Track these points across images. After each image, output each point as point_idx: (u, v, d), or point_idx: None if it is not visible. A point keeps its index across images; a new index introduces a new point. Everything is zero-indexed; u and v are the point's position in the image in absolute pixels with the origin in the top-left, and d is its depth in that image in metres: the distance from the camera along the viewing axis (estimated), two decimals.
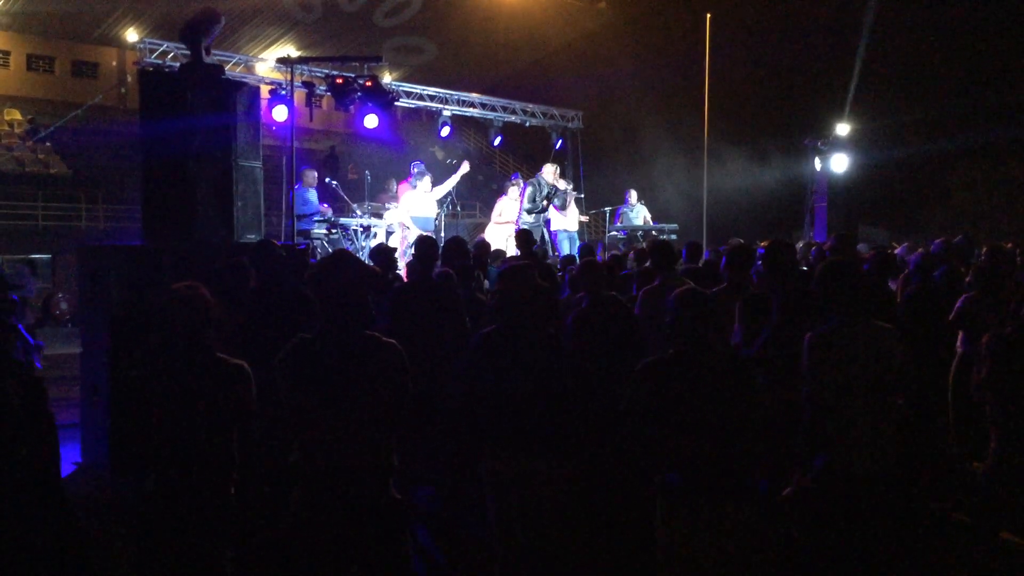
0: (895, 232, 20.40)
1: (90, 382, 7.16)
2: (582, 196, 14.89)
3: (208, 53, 8.18)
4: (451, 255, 7.04)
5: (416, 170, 13.38)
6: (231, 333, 5.03)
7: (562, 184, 13.89)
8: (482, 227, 14.68)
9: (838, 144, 16.64)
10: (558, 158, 17.78)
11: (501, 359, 4.00)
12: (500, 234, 13.49)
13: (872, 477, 3.80)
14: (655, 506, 3.69)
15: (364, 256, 12.42)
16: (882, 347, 3.85)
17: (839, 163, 16.52)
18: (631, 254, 9.34)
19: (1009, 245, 10.17)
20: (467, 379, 4.19)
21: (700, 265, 7.30)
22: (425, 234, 8.55)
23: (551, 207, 13.67)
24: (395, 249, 7.98)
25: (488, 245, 10.01)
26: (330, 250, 11.61)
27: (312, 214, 12.62)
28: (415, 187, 13.25)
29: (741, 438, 3.56)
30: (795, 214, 19.44)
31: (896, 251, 9.85)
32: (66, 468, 6.74)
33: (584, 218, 15.29)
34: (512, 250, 12.66)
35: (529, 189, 13.32)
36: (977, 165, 22.91)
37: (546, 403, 4.01)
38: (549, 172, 13.70)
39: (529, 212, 13.25)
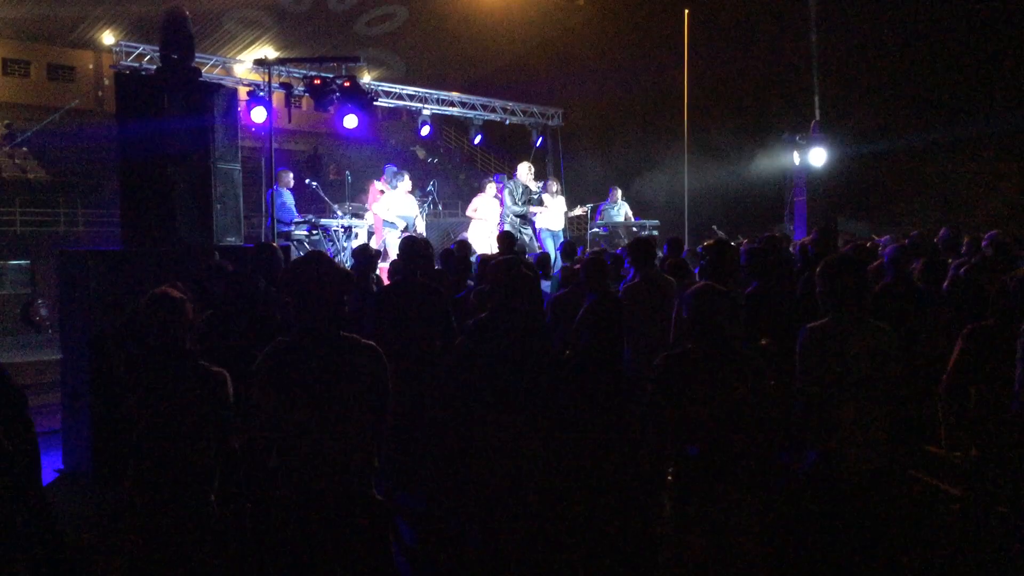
0: (875, 225, 20.53)
1: (71, 388, 7.10)
2: (560, 196, 14.86)
3: (191, 53, 8.11)
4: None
5: (389, 173, 13.38)
6: (208, 335, 5.02)
7: (534, 185, 13.95)
8: (464, 226, 14.67)
9: (816, 138, 16.72)
10: (539, 156, 17.80)
11: (490, 342, 4.38)
12: (482, 231, 13.50)
13: (863, 473, 3.83)
14: (660, 495, 3.78)
15: (346, 257, 12.41)
16: (878, 346, 3.87)
17: (817, 157, 16.61)
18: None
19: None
20: (459, 361, 4.55)
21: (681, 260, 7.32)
22: (410, 234, 8.54)
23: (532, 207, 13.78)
24: (378, 252, 7.96)
25: (468, 245, 9.96)
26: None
27: (289, 216, 12.57)
28: (393, 189, 13.25)
29: (755, 429, 3.64)
30: (775, 208, 19.52)
31: (879, 242, 9.91)
32: (48, 475, 6.70)
33: (580, 211, 15.27)
34: (495, 249, 12.70)
35: (506, 191, 13.46)
36: (955, 157, 23.07)
37: (530, 377, 4.35)
38: (523, 172, 13.81)
39: (516, 214, 13.39)
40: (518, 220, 13.52)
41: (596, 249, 11.72)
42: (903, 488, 5.55)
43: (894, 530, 4.73)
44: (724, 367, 3.65)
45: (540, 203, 13.98)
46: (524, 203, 13.65)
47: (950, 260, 7.16)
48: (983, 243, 7.39)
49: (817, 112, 17.13)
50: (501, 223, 13.63)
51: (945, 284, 6.37)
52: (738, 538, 3.59)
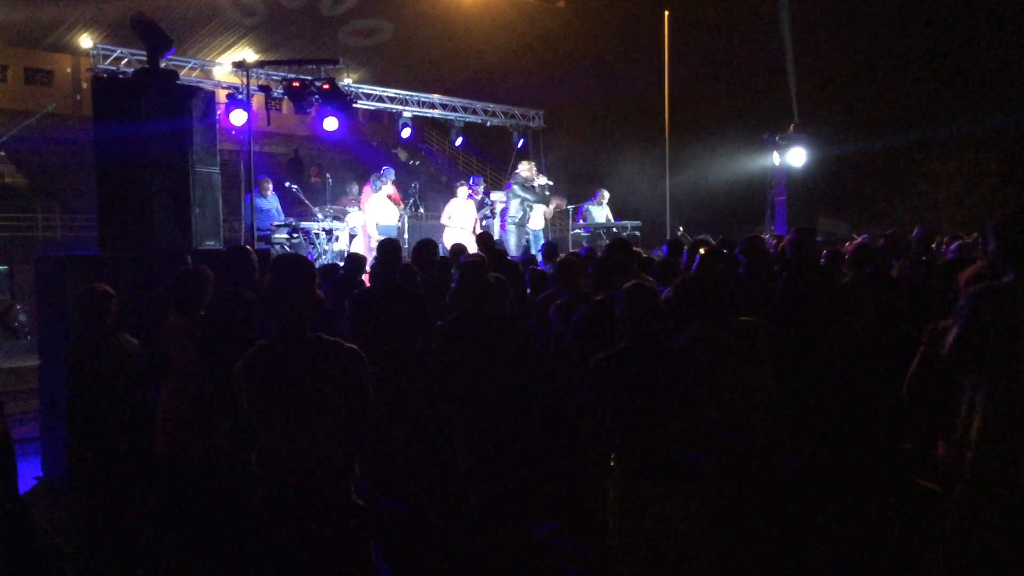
0: (855, 224, 20.68)
1: (49, 395, 7.04)
2: (551, 185, 14.88)
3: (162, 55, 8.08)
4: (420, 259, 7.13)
5: (384, 176, 13.38)
6: (190, 340, 4.99)
7: (541, 179, 13.98)
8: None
9: (796, 138, 16.80)
10: (520, 157, 17.81)
11: (459, 340, 4.67)
12: (457, 239, 13.42)
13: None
14: (606, 492, 3.88)
15: (328, 259, 12.37)
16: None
17: (797, 157, 16.69)
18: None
19: (975, 235, 10.37)
20: (435, 359, 4.84)
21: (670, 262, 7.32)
22: (387, 237, 8.50)
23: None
24: (364, 258, 7.96)
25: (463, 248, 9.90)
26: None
27: (267, 222, 12.54)
28: (378, 190, 13.23)
29: (685, 423, 3.77)
30: (757, 208, 19.62)
31: (857, 241, 9.97)
32: (27, 483, 6.65)
33: (550, 208, 15.27)
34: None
35: (516, 189, 13.46)
36: (935, 156, 23.26)
37: (499, 374, 4.60)
38: (525, 169, 13.79)
39: (515, 218, 13.40)
40: (520, 222, 13.56)
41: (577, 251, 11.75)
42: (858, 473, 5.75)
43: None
44: (656, 363, 3.78)
45: (545, 200, 14.03)
46: (531, 198, 13.63)
47: (923, 258, 7.25)
48: (950, 253, 7.53)
49: (797, 112, 17.23)
50: (503, 224, 13.68)
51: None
52: (681, 521, 3.72)
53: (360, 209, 13.72)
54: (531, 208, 13.71)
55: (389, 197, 13.73)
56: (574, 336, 5.08)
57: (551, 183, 14.38)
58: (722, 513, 4.25)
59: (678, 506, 3.71)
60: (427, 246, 7.48)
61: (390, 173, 13.59)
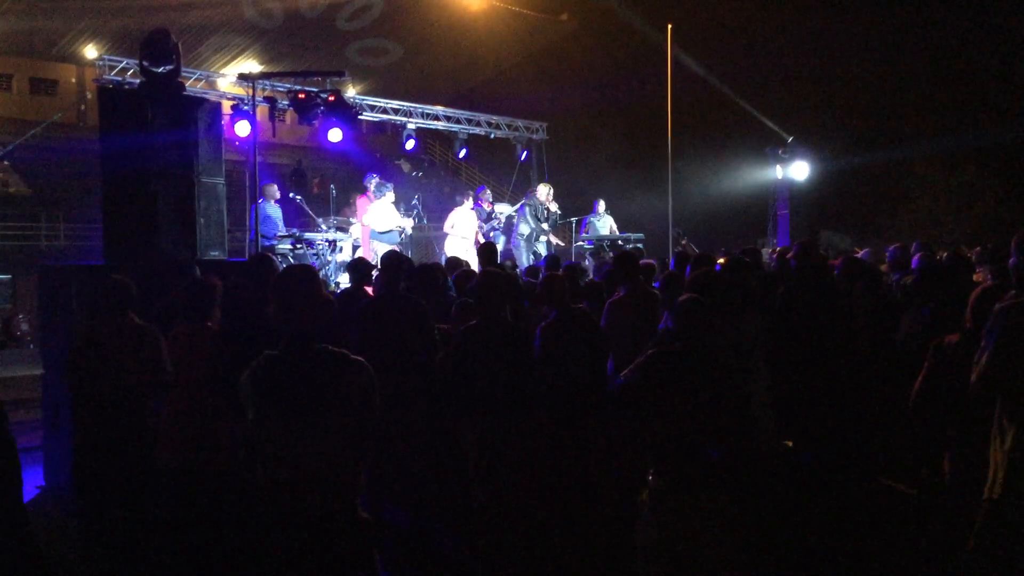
0: (856, 238, 20.68)
1: (52, 404, 7.05)
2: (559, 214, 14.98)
3: (176, 66, 8.10)
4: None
5: (373, 184, 13.38)
6: (196, 349, 5.00)
7: (554, 206, 14.17)
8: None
9: (798, 152, 16.84)
10: (523, 170, 17.87)
11: (480, 347, 4.71)
12: (459, 247, 13.45)
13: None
14: (638, 497, 3.91)
15: (331, 271, 12.39)
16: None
17: (799, 171, 16.73)
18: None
19: (977, 249, 10.38)
20: (452, 364, 4.84)
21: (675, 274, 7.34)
22: (391, 248, 8.54)
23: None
24: (373, 265, 7.96)
25: (459, 260, 9.91)
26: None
27: (274, 230, 12.54)
28: (380, 198, 13.23)
29: (726, 424, 3.90)
30: (759, 222, 19.64)
31: (858, 256, 9.99)
32: (29, 492, 6.65)
33: (555, 240, 15.33)
34: (473, 263, 12.71)
35: (527, 211, 13.64)
36: (936, 171, 23.29)
37: (517, 380, 4.67)
38: (543, 193, 14.00)
39: (523, 235, 13.69)
40: (528, 238, 13.75)
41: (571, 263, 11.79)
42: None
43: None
44: (704, 367, 3.91)
45: (555, 224, 14.24)
46: (540, 223, 13.89)
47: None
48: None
49: (799, 126, 17.26)
50: (514, 240, 13.82)
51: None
52: (716, 533, 3.73)
53: (357, 219, 13.71)
54: (543, 231, 13.99)
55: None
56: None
57: (559, 212, 14.55)
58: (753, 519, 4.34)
59: (717, 516, 3.75)
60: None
61: (373, 179, 13.61)
